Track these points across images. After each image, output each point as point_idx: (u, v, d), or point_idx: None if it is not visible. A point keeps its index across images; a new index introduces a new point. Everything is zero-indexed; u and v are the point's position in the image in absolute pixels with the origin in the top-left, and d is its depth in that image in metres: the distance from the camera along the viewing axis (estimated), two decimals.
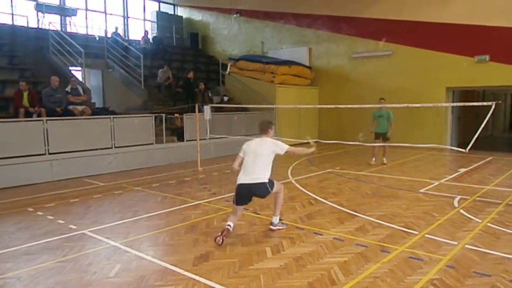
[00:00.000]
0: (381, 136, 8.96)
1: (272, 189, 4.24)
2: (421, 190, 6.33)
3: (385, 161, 9.13)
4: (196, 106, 8.74)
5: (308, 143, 4.83)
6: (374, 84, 12.76)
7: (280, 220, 4.53)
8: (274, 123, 12.43)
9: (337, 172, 8.17)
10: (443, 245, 3.89)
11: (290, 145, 4.40)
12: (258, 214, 5.11)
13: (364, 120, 12.66)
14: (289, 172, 8.16)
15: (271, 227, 4.45)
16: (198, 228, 4.57)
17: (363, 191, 6.35)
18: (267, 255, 3.71)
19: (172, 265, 3.51)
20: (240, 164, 4.31)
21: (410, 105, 6.85)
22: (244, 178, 4.19)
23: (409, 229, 4.40)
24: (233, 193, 4.27)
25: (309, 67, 14.14)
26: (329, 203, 5.60)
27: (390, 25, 12.33)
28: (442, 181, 7.11)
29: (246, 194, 4.19)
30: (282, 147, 4.30)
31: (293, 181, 7.20)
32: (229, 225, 4.08)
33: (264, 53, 15.41)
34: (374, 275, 3.24)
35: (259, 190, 4.18)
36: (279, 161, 10.25)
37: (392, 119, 8.83)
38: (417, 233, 4.27)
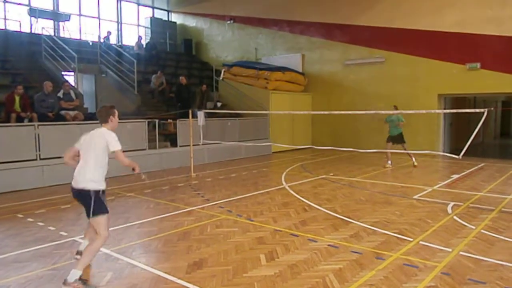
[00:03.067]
0: (394, 139, 9.40)
1: (96, 209, 3.17)
2: (415, 197, 6.36)
3: (415, 163, 9.48)
4: (190, 112, 8.70)
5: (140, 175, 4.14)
6: (367, 91, 12.89)
7: (81, 278, 3.11)
8: (267, 129, 12.70)
9: (331, 178, 8.18)
10: (438, 252, 3.90)
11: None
12: (252, 220, 5.06)
13: (357, 126, 12.83)
14: (282, 178, 8.14)
15: (63, 286, 3.08)
16: (191, 235, 4.51)
17: (357, 198, 6.35)
18: (261, 263, 3.67)
19: (165, 272, 3.44)
20: (75, 157, 3.39)
21: (403, 111, 6.94)
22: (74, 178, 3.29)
23: (403, 235, 4.40)
24: (225, 200, 4.18)
25: (303, 74, 14.25)
26: (323, 209, 5.59)
27: (382, 32, 12.52)
28: (435, 187, 7.16)
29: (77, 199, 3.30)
30: (115, 145, 3.33)
31: (287, 187, 7.18)
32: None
33: (258, 59, 15.50)
34: (370, 283, 3.21)
35: (83, 199, 3.24)
36: (272, 167, 10.31)
37: (402, 120, 9.37)
38: (411, 239, 4.27)
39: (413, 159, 9.56)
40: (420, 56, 11.84)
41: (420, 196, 6.37)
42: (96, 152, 3.32)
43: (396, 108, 9.31)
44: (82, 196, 3.26)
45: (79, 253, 3.59)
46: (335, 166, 9.87)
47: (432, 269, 3.45)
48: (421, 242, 4.17)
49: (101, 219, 3.26)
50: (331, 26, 13.70)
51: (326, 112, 8.35)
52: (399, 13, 12.16)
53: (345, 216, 5.19)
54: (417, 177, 8.29)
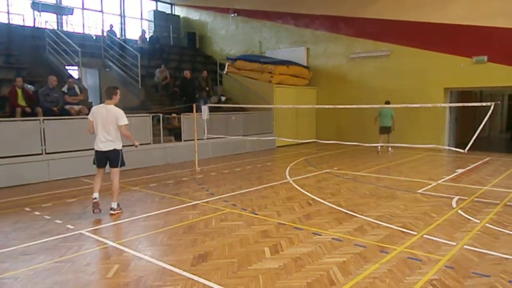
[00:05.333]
0: (385, 129, 10.89)
1: (121, 161, 5.04)
2: (419, 191, 6.34)
3: (390, 150, 11.11)
4: (194, 106, 8.70)
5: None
6: (372, 85, 12.79)
7: (118, 205, 5.15)
8: (272, 123, 12.66)
9: (335, 172, 8.17)
10: (442, 246, 3.90)
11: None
12: (256, 214, 5.09)
13: (362, 120, 12.75)
14: (287, 172, 8.15)
15: (111, 212, 5.05)
16: (196, 228, 4.55)
17: (361, 192, 6.35)
18: (265, 255, 3.70)
19: (171, 265, 3.48)
20: (92, 128, 4.99)
21: (409, 105, 6.89)
22: (99, 145, 4.97)
23: (407, 229, 4.40)
24: (230, 194, 4.26)
25: (307, 67, 14.15)
26: (327, 203, 5.60)
27: (388, 25, 12.36)
28: (440, 181, 7.13)
29: (102, 159, 5.02)
30: (122, 119, 4.91)
31: (291, 182, 7.19)
32: (95, 198, 4.96)
33: (262, 53, 15.40)
34: (373, 276, 3.23)
35: (113, 156, 4.97)
36: (277, 161, 10.31)
37: (394, 115, 10.88)
38: (415, 233, 4.27)
39: (390, 148, 11.14)
40: (426, 49, 11.69)
41: (424, 190, 6.36)
42: (113, 122, 4.94)
43: (388, 103, 10.31)
44: (113, 153, 4.99)
45: (95, 202, 5.04)
46: (340, 160, 9.85)
47: (436, 263, 3.46)
48: (425, 236, 4.17)
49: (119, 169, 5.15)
50: (336, 19, 13.55)
51: (330, 106, 8.29)
52: (405, 5, 11.98)
53: (349, 210, 5.20)
54: (421, 171, 8.26)
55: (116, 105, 5.05)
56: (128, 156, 8.82)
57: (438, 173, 7.98)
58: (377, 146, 10.53)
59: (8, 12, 12.98)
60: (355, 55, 13.17)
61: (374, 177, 7.59)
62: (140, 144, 5.52)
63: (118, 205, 5.16)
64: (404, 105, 6.72)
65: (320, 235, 4.27)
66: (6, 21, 12.67)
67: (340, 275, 3.25)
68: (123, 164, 5.11)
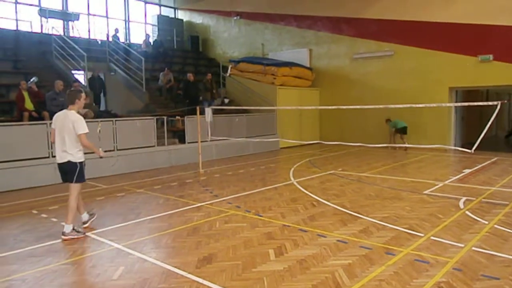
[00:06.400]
0: (402, 130, 11.54)
1: (77, 176, 4.30)
2: (425, 192, 6.28)
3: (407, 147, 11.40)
4: (197, 108, 8.73)
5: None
6: (376, 85, 12.73)
7: (73, 228, 4.30)
8: (275, 125, 12.64)
9: (339, 173, 8.12)
10: (450, 248, 3.84)
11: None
12: (260, 216, 5.08)
13: (365, 121, 12.69)
14: (291, 174, 8.12)
15: (62, 236, 4.22)
16: (200, 230, 4.54)
17: (366, 193, 6.30)
18: (270, 258, 3.68)
19: (175, 267, 3.48)
20: (53, 136, 4.40)
21: (413, 105, 6.82)
22: (56, 156, 4.40)
23: (414, 231, 4.35)
24: (234, 195, 4.25)
25: (310, 69, 14.14)
26: (331, 204, 5.56)
27: (391, 25, 12.31)
28: (446, 182, 7.05)
29: (61, 173, 4.42)
30: (79, 127, 4.23)
31: (295, 183, 7.17)
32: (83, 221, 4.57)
33: (265, 55, 15.42)
34: (379, 278, 3.19)
35: (67, 168, 4.32)
36: (280, 163, 10.29)
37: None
38: (422, 235, 4.22)
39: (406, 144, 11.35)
40: (430, 49, 11.61)
41: (431, 191, 6.29)
42: (70, 131, 4.26)
43: (389, 119, 11.74)
44: (67, 166, 4.32)
45: (84, 223, 4.64)
46: (344, 161, 9.80)
47: (444, 265, 3.41)
48: (432, 238, 4.12)
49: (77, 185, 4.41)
50: (339, 19, 13.52)
51: (334, 107, 8.24)
52: (408, 4, 11.92)
53: (354, 212, 5.16)
54: (427, 172, 8.18)
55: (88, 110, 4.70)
56: (133, 159, 9.03)
57: (445, 174, 7.89)
58: (395, 146, 11.45)
59: (16, 19, 13.19)
60: (358, 55, 13.13)
61: (379, 178, 7.53)
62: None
63: (73, 229, 4.29)
64: (408, 105, 6.65)
65: (325, 237, 4.23)
66: (14, 28, 12.87)
67: (345, 277, 3.22)
68: (80, 179, 4.33)
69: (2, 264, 3.66)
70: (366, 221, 4.76)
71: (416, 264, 3.46)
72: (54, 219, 5.07)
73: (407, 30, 12.00)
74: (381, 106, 7.04)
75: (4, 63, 10.14)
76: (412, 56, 11.95)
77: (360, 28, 13.01)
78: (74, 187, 4.33)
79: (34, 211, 5.51)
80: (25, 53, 10.88)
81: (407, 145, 10.91)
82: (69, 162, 4.29)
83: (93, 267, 3.55)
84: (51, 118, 7.86)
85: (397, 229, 4.42)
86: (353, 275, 3.26)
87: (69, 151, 4.26)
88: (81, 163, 4.35)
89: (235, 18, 16.20)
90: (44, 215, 5.29)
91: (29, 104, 8.06)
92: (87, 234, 4.45)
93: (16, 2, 13.24)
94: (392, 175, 7.81)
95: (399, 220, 4.75)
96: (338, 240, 4.10)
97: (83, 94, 4.39)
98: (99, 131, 4.92)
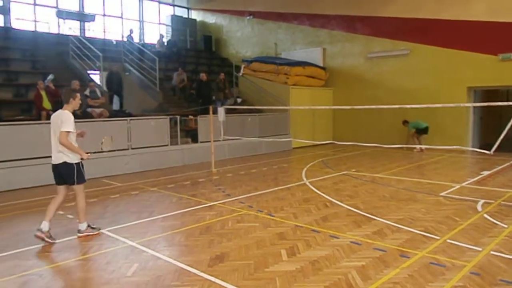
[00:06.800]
0: (424, 130, 11.27)
1: (77, 177, 4.21)
2: (442, 194, 6.13)
3: (423, 148, 11.33)
4: (210, 108, 8.79)
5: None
6: (391, 85, 12.51)
7: (88, 225, 4.44)
8: (288, 125, 12.61)
9: (353, 174, 8.02)
10: (467, 251, 3.74)
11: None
12: (272, 216, 5.07)
13: (380, 121, 12.48)
14: (303, 174, 8.07)
15: (78, 234, 4.37)
16: (213, 229, 4.57)
17: (380, 194, 6.20)
18: (282, 258, 3.66)
19: (188, 265, 3.51)
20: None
21: (430, 105, 6.66)
22: (52, 157, 4.27)
23: (429, 233, 4.26)
24: (246, 195, 4.24)
25: (323, 68, 14.01)
26: (345, 205, 5.50)
27: (407, 23, 12.07)
28: (463, 184, 6.87)
29: (55, 174, 4.29)
30: (63, 125, 4.08)
31: (307, 183, 7.12)
32: (40, 228, 4.12)
33: (278, 54, 15.38)
34: (394, 281, 3.14)
35: (64, 170, 4.22)
36: (293, 163, 10.25)
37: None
38: (438, 238, 4.12)
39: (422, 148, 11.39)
40: (448, 48, 11.33)
41: (447, 193, 6.13)
42: (59, 129, 4.14)
43: (407, 121, 11.51)
44: (63, 167, 4.22)
45: (38, 235, 4.18)
46: (357, 162, 9.67)
47: (461, 269, 3.32)
48: (448, 241, 4.02)
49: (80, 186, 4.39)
50: (353, 18, 13.35)
51: (347, 107, 8.14)
52: (425, 2, 11.66)
53: (367, 213, 5.08)
54: (444, 174, 7.98)
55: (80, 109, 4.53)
56: (145, 158, 9.16)
57: (462, 175, 7.69)
58: (416, 146, 11.23)
59: (35, 21, 13.60)
60: (373, 54, 12.93)
61: (393, 179, 7.40)
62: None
63: (88, 226, 4.42)
64: (425, 106, 6.50)
65: (338, 238, 4.19)
66: (33, 29, 13.27)
67: (359, 279, 3.18)
68: (80, 180, 4.26)
69: (19, 259, 3.77)
70: (380, 222, 4.68)
71: (432, 267, 3.38)
72: (70, 216, 5.19)
73: (423, 28, 11.74)
74: (396, 106, 6.91)
75: (23, 63, 10.47)
76: (428, 55, 11.69)
77: (375, 27, 12.81)
78: (78, 188, 4.29)
79: None
80: (43, 54, 11.20)
81: (423, 146, 10.73)
82: (65, 163, 4.17)
83: (108, 264, 3.61)
84: None
85: (412, 232, 4.33)
86: (366, 277, 3.21)
87: (65, 152, 4.16)
88: (77, 164, 4.23)
89: (248, 17, 16.22)
90: (60, 212, 5.39)
91: (46, 104, 8.28)
92: (102, 231, 4.54)
93: (35, 4, 13.64)
94: (408, 177, 7.66)
95: (414, 222, 4.65)
96: (351, 242, 4.05)
97: (78, 94, 4.32)
98: (102, 142, 4.74)
